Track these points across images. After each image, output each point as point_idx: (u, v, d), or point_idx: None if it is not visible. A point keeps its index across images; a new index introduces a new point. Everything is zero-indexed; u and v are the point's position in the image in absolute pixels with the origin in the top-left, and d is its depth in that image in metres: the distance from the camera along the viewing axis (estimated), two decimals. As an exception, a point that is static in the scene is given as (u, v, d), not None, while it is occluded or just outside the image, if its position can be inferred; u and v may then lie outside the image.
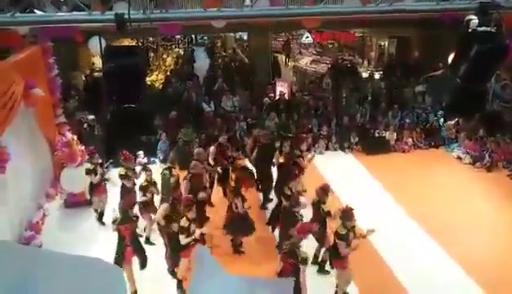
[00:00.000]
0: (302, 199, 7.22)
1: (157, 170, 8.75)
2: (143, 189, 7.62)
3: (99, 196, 8.48)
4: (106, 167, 9.65)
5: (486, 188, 10.30)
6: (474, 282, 6.99)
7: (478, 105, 4.79)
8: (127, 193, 7.59)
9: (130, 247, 6.20)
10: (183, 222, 6.14)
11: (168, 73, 16.02)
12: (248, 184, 7.87)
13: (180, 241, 6.12)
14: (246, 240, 7.77)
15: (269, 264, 6.53)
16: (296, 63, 19.60)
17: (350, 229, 6.03)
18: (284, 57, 20.39)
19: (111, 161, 10.12)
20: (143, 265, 6.48)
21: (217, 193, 9.27)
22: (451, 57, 4.56)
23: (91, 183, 8.42)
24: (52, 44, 9.36)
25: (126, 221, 6.15)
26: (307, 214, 7.25)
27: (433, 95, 13.50)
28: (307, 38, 17.91)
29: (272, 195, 9.15)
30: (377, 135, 12.72)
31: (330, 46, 20.36)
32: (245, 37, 19.44)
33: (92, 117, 11.04)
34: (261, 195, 9.45)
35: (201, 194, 7.56)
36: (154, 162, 10.78)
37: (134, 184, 7.81)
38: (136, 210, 7.33)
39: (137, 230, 6.77)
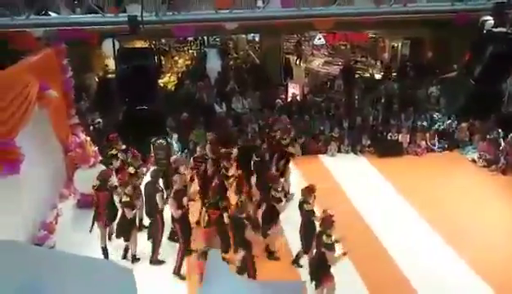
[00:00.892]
0: (282, 203, 7.35)
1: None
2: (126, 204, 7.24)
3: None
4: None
5: (500, 191, 10.13)
6: (486, 285, 6.91)
7: (493, 107, 4.72)
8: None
9: None
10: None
11: (180, 75, 16.08)
12: None
13: None
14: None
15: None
16: (308, 64, 19.53)
17: (334, 239, 5.93)
18: (295, 59, 20.34)
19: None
20: None
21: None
22: (465, 58, 4.51)
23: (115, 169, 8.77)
24: (66, 46, 9.47)
25: None
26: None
27: (447, 97, 13.28)
28: (319, 40, 17.86)
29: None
30: (390, 137, 12.58)
31: (343, 47, 20.25)
32: (257, 39, 19.44)
33: (99, 119, 11.15)
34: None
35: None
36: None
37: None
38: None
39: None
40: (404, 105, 13.41)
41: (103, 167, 8.89)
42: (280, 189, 7.56)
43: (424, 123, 12.92)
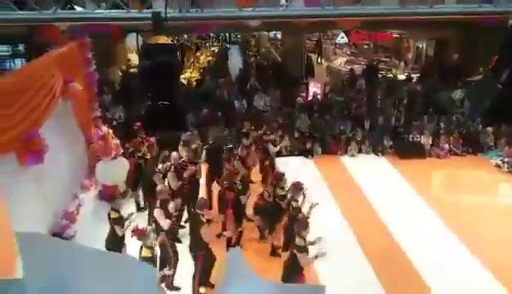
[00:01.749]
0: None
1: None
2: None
3: None
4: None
5: (525, 198, 9.87)
6: (501, 286, 6.83)
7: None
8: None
9: None
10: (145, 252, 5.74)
11: (202, 71, 16.16)
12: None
13: None
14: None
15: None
16: (330, 63, 19.39)
17: (308, 242, 5.84)
18: (317, 57, 20.20)
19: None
20: None
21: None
22: (492, 61, 4.39)
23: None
24: (90, 40, 9.61)
25: None
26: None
27: (472, 100, 13.05)
28: (342, 38, 17.69)
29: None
30: (412, 139, 12.38)
31: (366, 46, 20.02)
32: (279, 36, 19.38)
33: (119, 113, 11.29)
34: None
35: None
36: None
37: None
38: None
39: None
40: (427, 107, 13.18)
41: (124, 160, 9.00)
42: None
43: (448, 126, 12.68)
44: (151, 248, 5.70)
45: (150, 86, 3.41)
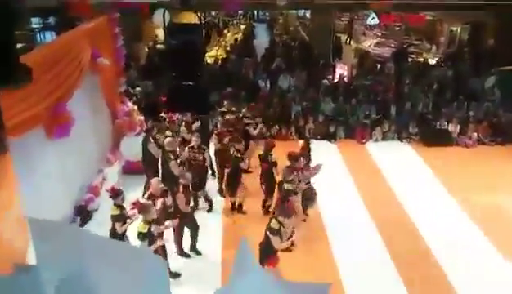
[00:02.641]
0: None
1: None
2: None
3: None
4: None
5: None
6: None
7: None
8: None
9: None
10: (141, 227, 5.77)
11: (228, 49, 16.07)
12: None
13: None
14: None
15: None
16: (359, 44, 18.97)
17: (284, 225, 5.80)
18: (346, 38, 19.79)
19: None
20: None
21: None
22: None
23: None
24: (119, 15, 9.65)
25: None
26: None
27: (504, 89, 12.59)
28: (372, 19, 17.20)
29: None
30: (439, 126, 12.08)
31: (397, 28, 19.47)
32: (308, 15, 19.03)
33: (139, 89, 11.37)
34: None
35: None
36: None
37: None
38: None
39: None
40: (457, 94, 12.81)
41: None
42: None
43: (478, 114, 12.31)
44: (149, 223, 5.74)
45: (174, 66, 3.41)
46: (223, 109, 10.14)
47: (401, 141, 11.98)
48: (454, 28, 17.91)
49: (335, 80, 13.55)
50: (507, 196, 9.18)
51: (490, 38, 15.56)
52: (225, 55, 15.13)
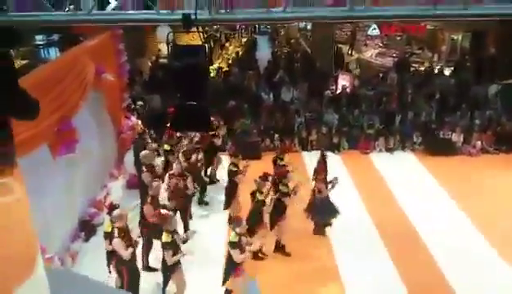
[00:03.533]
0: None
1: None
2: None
3: None
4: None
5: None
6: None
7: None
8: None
9: None
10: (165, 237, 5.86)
11: (230, 62, 16.16)
12: None
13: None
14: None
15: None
16: (360, 55, 19.01)
17: (243, 234, 5.90)
18: (348, 48, 19.85)
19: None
20: None
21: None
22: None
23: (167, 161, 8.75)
24: (122, 31, 9.76)
25: None
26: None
27: (507, 101, 12.60)
28: (374, 30, 17.27)
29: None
30: (442, 135, 12.05)
31: (398, 38, 19.50)
32: (309, 27, 19.15)
33: (140, 103, 11.46)
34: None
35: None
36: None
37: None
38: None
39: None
40: (460, 102, 12.80)
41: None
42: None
43: (482, 123, 12.28)
44: (171, 233, 5.86)
45: (178, 87, 3.46)
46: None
47: (405, 151, 11.97)
48: (455, 37, 17.95)
49: (338, 91, 13.55)
50: (509, 202, 9.15)
51: (491, 46, 15.58)
52: (227, 68, 15.21)
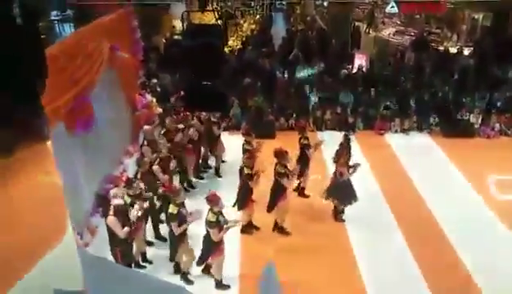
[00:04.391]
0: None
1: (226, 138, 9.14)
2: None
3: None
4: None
5: None
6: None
7: None
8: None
9: None
10: (171, 208, 6.09)
11: (244, 39, 15.93)
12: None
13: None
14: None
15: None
16: (378, 33, 18.59)
17: (219, 213, 5.93)
18: (365, 26, 19.40)
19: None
20: None
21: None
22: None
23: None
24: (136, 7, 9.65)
25: None
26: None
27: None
28: (392, 8, 16.83)
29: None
30: (460, 117, 11.84)
31: (417, 16, 18.99)
32: (325, 4, 18.74)
33: (155, 80, 11.43)
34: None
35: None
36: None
37: None
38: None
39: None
40: (479, 83, 12.51)
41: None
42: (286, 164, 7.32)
43: (500, 104, 12.01)
44: (178, 206, 6.03)
45: (193, 67, 3.41)
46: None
47: (421, 132, 11.81)
48: (476, 16, 17.40)
49: (354, 70, 13.34)
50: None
51: (513, 26, 15.10)
52: (241, 46, 15.01)
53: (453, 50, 15.58)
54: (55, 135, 5.81)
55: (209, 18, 3.17)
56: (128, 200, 6.44)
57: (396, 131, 11.73)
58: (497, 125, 11.60)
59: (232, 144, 9.64)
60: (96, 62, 7.47)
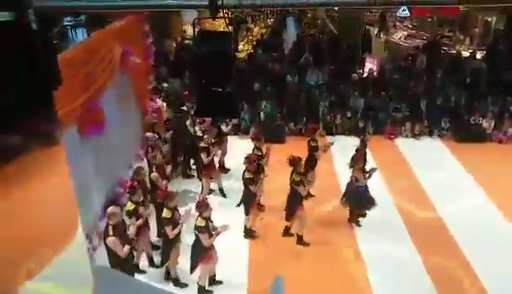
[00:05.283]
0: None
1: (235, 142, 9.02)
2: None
3: None
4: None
5: None
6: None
7: None
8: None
9: None
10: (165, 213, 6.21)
11: (255, 44, 15.98)
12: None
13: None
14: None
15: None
16: (389, 37, 18.48)
17: (208, 218, 5.92)
18: (376, 30, 19.30)
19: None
20: None
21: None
22: None
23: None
24: (148, 12, 9.75)
25: None
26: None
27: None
28: (403, 11, 16.72)
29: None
30: (472, 121, 11.72)
31: (429, 20, 18.84)
32: (336, 8, 18.65)
33: (165, 85, 11.54)
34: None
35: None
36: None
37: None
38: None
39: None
40: (492, 87, 12.38)
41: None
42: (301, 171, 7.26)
43: (514, 109, 11.86)
44: (172, 209, 6.12)
45: (204, 74, 3.43)
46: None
47: (432, 136, 11.72)
48: (489, 19, 17.22)
49: (365, 74, 13.29)
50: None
51: (527, 29, 14.92)
52: (252, 50, 15.06)
53: (465, 53, 15.43)
54: (67, 138, 5.94)
55: (220, 24, 3.20)
56: (132, 207, 6.47)
57: (407, 136, 11.65)
58: (510, 130, 11.45)
59: (241, 148, 9.66)
60: (109, 67, 7.58)
